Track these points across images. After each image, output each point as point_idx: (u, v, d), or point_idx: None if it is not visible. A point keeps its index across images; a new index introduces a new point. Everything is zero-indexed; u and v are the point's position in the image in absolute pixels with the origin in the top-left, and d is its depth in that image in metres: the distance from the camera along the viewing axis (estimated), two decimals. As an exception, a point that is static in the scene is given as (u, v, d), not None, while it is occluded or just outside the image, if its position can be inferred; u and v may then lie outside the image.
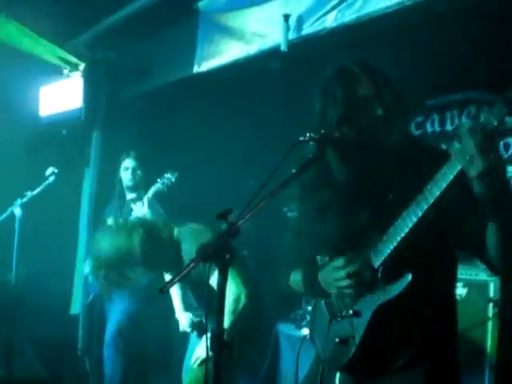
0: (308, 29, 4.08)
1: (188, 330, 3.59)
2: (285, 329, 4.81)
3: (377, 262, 1.87)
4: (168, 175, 4.78)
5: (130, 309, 4.77)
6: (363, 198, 1.94)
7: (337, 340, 1.94)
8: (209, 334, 1.80)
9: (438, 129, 6.18)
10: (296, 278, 2.20)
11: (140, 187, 5.05)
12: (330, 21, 3.95)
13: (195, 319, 3.56)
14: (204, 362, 3.02)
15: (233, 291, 3.07)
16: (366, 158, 1.93)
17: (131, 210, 4.93)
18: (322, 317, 2.09)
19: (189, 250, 3.22)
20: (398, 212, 1.79)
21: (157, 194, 4.80)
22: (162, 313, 4.28)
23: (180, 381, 3.59)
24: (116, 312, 4.83)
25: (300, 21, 4.11)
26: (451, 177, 1.63)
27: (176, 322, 3.71)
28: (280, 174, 1.86)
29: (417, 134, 6.24)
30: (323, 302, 2.11)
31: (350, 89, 1.92)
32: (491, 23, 4.06)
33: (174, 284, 1.82)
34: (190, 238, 3.33)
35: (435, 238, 1.85)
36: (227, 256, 1.78)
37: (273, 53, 4.29)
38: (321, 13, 4.00)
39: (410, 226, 1.75)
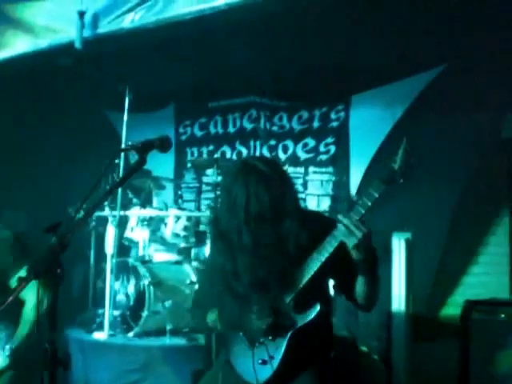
0: (104, 27, 4.05)
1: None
2: (74, 334, 4.66)
3: (288, 298, 2.31)
4: None
5: None
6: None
7: (259, 361, 2.36)
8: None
9: (220, 130, 6.45)
10: (212, 318, 2.55)
11: None
12: (128, 22, 3.96)
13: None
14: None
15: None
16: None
17: None
18: (241, 344, 2.45)
19: None
20: (299, 263, 2.30)
21: None
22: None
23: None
24: None
25: (96, 19, 4.05)
26: (335, 244, 2.20)
27: None
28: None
29: (200, 135, 6.51)
30: (241, 333, 2.45)
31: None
32: (277, 33, 4.39)
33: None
34: None
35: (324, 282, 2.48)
36: (59, 271, 1.73)
37: (66, 49, 4.15)
38: (118, 13, 4.00)
39: (312, 273, 2.26)
